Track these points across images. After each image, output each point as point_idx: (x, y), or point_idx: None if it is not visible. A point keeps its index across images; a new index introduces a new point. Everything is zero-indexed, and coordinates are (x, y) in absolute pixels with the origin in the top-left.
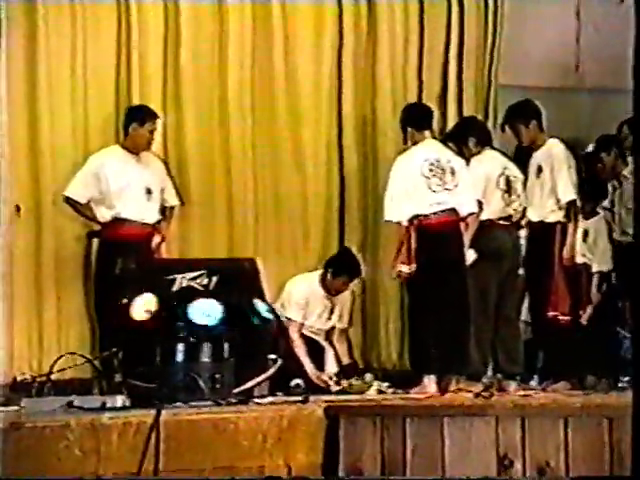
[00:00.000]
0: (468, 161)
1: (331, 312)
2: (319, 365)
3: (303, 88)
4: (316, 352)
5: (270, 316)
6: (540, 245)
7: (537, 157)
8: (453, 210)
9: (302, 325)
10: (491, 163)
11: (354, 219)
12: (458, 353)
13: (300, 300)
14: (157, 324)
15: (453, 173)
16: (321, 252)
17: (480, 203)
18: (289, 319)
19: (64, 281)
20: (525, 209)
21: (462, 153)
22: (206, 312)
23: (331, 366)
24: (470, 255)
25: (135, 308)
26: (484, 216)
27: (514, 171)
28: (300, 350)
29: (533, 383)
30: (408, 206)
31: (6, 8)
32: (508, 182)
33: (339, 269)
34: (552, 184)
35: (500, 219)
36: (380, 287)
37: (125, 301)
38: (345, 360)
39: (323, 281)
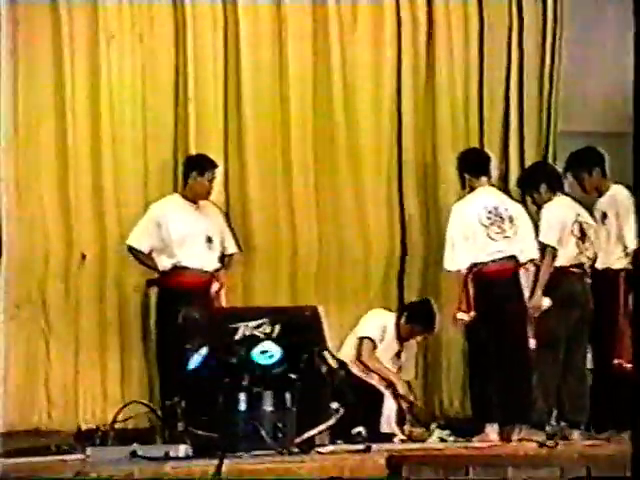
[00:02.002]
0: (539, 207)
1: (397, 357)
2: (375, 415)
3: (363, 135)
4: (373, 401)
5: (335, 364)
6: (605, 292)
7: (602, 203)
8: (512, 257)
9: (375, 348)
10: (565, 209)
11: (415, 267)
12: (521, 401)
13: (378, 325)
14: (219, 373)
15: (512, 220)
16: (382, 301)
17: (554, 249)
18: (366, 338)
19: (126, 330)
20: (596, 256)
21: (533, 199)
22: (268, 353)
23: (390, 415)
24: (545, 302)
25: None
26: (558, 262)
27: (587, 218)
28: (380, 366)
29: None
30: (467, 255)
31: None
32: (582, 229)
33: (415, 316)
34: (618, 231)
35: (573, 266)
36: (442, 335)
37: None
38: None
39: (397, 322)
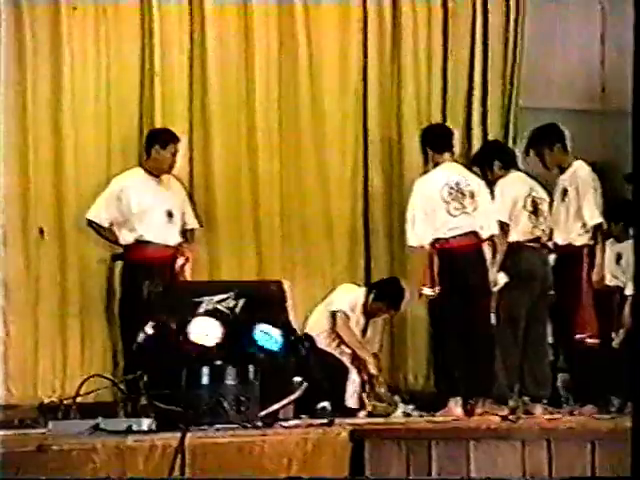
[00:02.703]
0: (493, 184)
1: (363, 333)
2: (340, 389)
3: (328, 110)
4: (338, 375)
5: (290, 339)
6: (567, 268)
7: (563, 180)
8: (474, 233)
9: (349, 319)
10: (517, 185)
11: (380, 243)
12: (484, 376)
13: (350, 299)
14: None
15: (472, 196)
16: (348, 276)
17: (506, 225)
18: (339, 311)
19: (88, 304)
20: (552, 231)
21: (486, 176)
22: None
23: (354, 390)
24: (501, 278)
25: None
26: (512, 238)
27: (540, 193)
28: (354, 339)
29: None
30: (428, 230)
31: (31, 30)
32: (535, 204)
33: (383, 294)
34: (578, 207)
35: (528, 241)
36: (408, 310)
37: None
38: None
39: (365, 300)
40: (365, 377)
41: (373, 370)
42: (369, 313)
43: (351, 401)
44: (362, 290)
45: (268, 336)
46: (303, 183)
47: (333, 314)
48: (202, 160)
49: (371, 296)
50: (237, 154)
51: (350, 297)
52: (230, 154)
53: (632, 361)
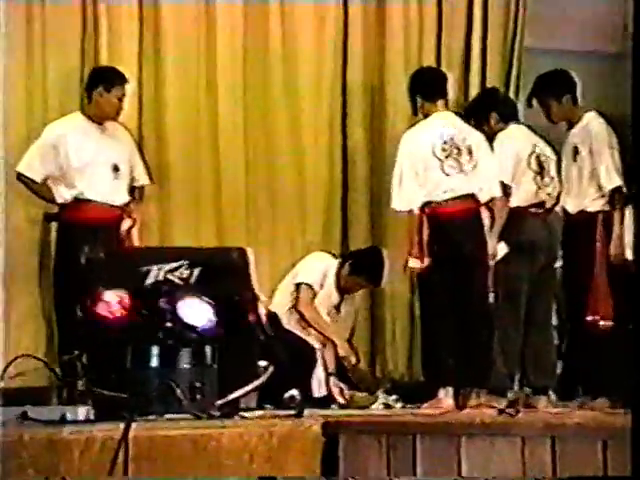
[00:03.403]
0: (491, 139)
1: (337, 310)
2: (306, 372)
3: (302, 53)
4: (309, 360)
5: (265, 316)
6: (579, 238)
7: (573, 136)
8: (471, 196)
9: (315, 296)
10: (520, 140)
11: (359, 206)
12: (479, 363)
13: (318, 270)
14: (130, 323)
15: (470, 152)
16: (322, 244)
17: (507, 187)
18: (304, 284)
19: (15, 272)
20: (559, 194)
21: (482, 131)
22: (194, 310)
23: (322, 377)
24: (501, 249)
25: (103, 304)
26: (513, 202)
27: (546, 150)
28: (317, 317)
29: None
30: (418, 192)
31: None
32: (540, 162)
33: (360, 266)
34: (592, 168)
35: (532, 206)
36: (388, 287)
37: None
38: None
39: (338, 271)
40: (342, 363)
41: (340, 348)
42: (344, 288)
43: (318, 389)
44: (335, 260)
45: (195, 312)
46: (271, 137)
47: (297, 287)
48: (153, 106)
49: (346, 268)
50: (194, 100)
51: (320, 268)
52: (186, 100)
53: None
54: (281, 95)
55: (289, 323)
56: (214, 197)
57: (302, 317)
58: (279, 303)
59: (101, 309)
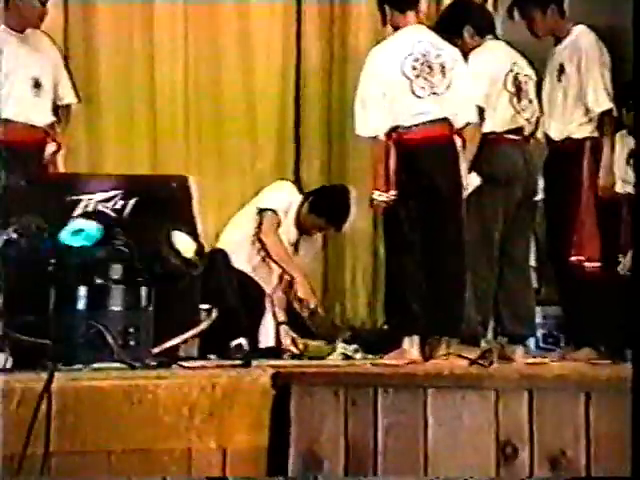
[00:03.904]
0: (465, 57)
1: (295, 249)
2: (255, 319)
3: None
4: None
5: (194, 254)
6: (563, 168)
7: (559, 53)
8: (444, 120)
9: (279, 225)
10: (495, 57)
11: (316, 131)
12: (448, 308)
13: (284, 199)
14: (51, 259)
15: (444, 71)
16: (274, 173)
17: (482, 110)
18: (269, 210)
19: None
20: (539, 120)
21: (455, 46)
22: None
23: (271, 325)
24: (472, 180)
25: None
26: (487, 128)
27: (525, 68)
28: (281, 248)
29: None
30: (385, 116)
31: None
32: (518, 83)
33: (321, 206)
34: (579, 88)
35: (509, 132)
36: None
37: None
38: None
39: (299, 207)
40: (297, 307)
41: (302, 293)
42: (302, 227)
43: (266, 338)
44: (299, 196)
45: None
46: (217, 51)
47: (260, 213)
48: (81, 13)
49: (305, 206)
50: (128, 8)
51: (285, 197)
52: (119, 8)
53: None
54: (230, 7)
55: (240, 260)
56: (150, 119)
57: (263, 247)
58: (229, 237)
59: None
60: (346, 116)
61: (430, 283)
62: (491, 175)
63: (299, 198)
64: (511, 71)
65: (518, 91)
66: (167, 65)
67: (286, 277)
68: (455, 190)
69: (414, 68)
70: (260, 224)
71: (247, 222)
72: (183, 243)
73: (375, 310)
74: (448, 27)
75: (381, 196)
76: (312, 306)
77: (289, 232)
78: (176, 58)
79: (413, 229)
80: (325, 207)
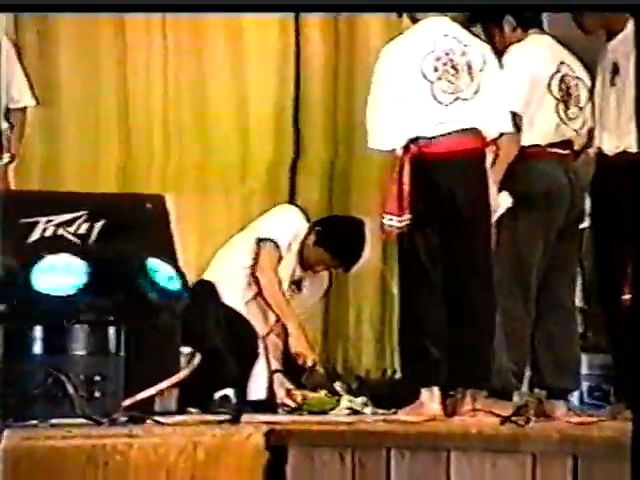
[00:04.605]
0: (503, 53)
1: (297, 287)
2: (246, 365)
3: None
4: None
5: (175, 286)
6: (615, 189)
7: (612, 49)
8: (472, 131)
9: (280, 259)
10: (539, 55)
11: (315, 144)
12: (475, 355)
13: (289, 228)
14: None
15: (471, 72)
16: (266, 191)
17: (518, 118)
18: (269, 240)
19: None
20: (592, 132)
21: (493, 41)
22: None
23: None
24: (503, 200)
25: None
26: (527, 140)
27: (576, 69)
28: (278, 294)
29: None
30: (402, 125)
31: None
32: (566, 86)
33: (329, 239)
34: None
35: (552, 145)
36: None
37: None
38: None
39: (304, 238)
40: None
41: (296, 348)
42: (306, 261)
43: (257, 390)
44: (306, 224)
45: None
46: (202, 50)
47: (258, 243)
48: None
49: (311, 237)
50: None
51: (291, 226)
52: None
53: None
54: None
55: (232, 296)
56: (120, 129)
57: (257, 284)
58: (221, 270)
59: None
60: (351, 127)
61: (453, 324)
62: (527, 195)
63: (306, 225)
64: (558, 72)
65: (566, 96)
66: (141, 63)
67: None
68: (482, 213)
69: (436, 69)
70: (257, 257)
71: (242, 252)
72: (161, 274)
73: (384, 356)
74: (484, 17)
75: (393, 221)
76: (309, 363)
77: (291, 267)
78: (153, 55)
79: (432, 260)
80: (334, 241)
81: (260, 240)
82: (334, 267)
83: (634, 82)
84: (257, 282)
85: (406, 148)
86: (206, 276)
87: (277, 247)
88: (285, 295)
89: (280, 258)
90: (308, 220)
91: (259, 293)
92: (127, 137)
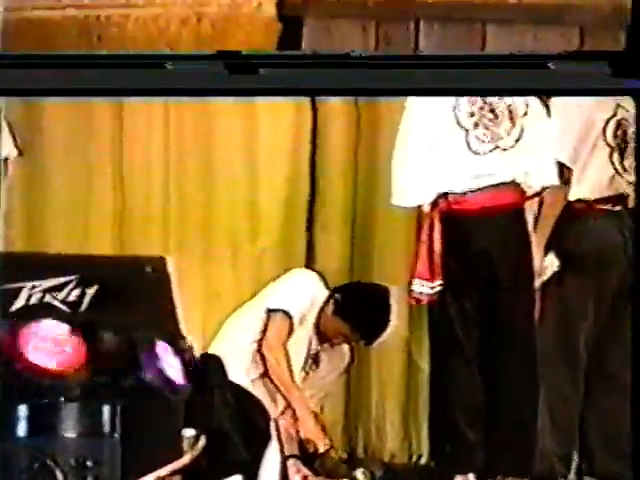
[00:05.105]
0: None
1: (314, 362)
2: (256, 450)
3: None
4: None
5: (177, 362)
6: None
7: None
8: (512, 184)
9: (291, 332)
10: (592, 97)
11: (335, 198)
12: (515, 438)
13: (304, 295)
14: None
15: (513, 118)
16: (279, 253)
17: (567, 169)
18: (280, 311)
19: None
20: None
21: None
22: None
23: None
24: (550, 263)
25: None
26: (575, 194)
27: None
28: (285, 373)
29: None
30: (431, 179)
31: None
32: (622, 132)
33: (349, 308)
34: None
35: (605, 200)
36: None
37: None
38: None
39: (322, 307)
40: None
41: (306, 434)
42: (323, 333)
43: (271, 476)
44: (325, 291)
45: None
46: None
47: (268, 315)
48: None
49: (330, 306)
50: None
51: (307, 294)
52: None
53: None
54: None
55: (240, 373)
56: (113, 179)
57: (263, 362)
58: (228, 342)
59: None
60: (378, 177)
61: (490, 403)
62: (576, 257)
63: (324, 295)
64: (614, 116)
65: (622, 144)
66: (137, 108)
67: None
68: (524, 278)
69: (472, 114)
70: (265, 330)
71: (251, 323)
72: (161, 348)
73: (411, 440)
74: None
75: (423, 287)
76: (321, 449)
77: (307, 340)
78: (152, 118)
79: (467, 331)
80: (355, 311)
81: (270, 311)
82: (354, 340)
83: None
84: (263, 360)
85: (435, 204)
86: (212, 349)
87: (289, 319)
88: (294, 375)
89: (291, 331)
90: (327, 286)
91: (265, 372)
92: (122, 190)
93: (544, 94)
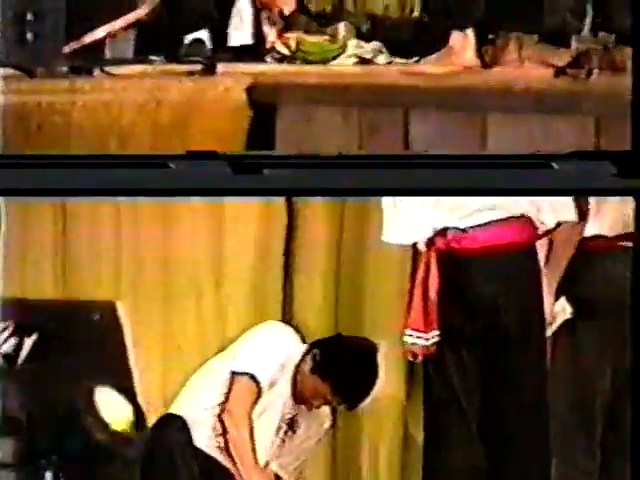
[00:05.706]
0: None
1: (291, 428)
2: None
3: None
4: None
5: (130, 423)
6: None
7: None
8: (520, 219)
9: (258, 398)
10: None
11: (313, 235)
12: None
13: (275, 355)
14: None
15: None
16: (250, 295)
17: (584, 203)
18: (245, 374)
19: None
20: None
21: None
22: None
23: None
24: (561, 309)
25: None
26: (591, 230)
27: None
28: (244, 447)
29: None
30: (427, 214)
31: None
32: None
33: (328, 366)
34: None
35: (621, 237)
36: None
37: None
38: None
39: (297, 365)
40: None
41: None
42: (299, 394)
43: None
44: (301, 346)
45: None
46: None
47: (232, 378)
48: None
49: (308, 362)
50: None
51: (277, 352)
52: None
53: None
54: None
55: (204, 438)
56: (56, 216)
57: (223, 431)
58: (191, 403)
59: None
60: (366, 212)
61: (493, 475)
62: (592, 301)
63: (300, 348)
64: None
65: None
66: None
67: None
68: (534, 327)
69: None
70: (228, 393)
71: (215, 383)
72: (113, 407)
73: None
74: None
75: (419, 339)
76: None
77: (281, 402)
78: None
79: (467, 389)
80: (335, 369)
81: (234, 373)
82: (334, 403)
83: None
84: (223, 428)
85: (431, 242)
86: (174, 409)
87: (255, 383)
88: (256, 453)
89: (259, 397)
90: (304, 341)
91: (225, 444)
92: (65, 226)
93: (547, 194)
